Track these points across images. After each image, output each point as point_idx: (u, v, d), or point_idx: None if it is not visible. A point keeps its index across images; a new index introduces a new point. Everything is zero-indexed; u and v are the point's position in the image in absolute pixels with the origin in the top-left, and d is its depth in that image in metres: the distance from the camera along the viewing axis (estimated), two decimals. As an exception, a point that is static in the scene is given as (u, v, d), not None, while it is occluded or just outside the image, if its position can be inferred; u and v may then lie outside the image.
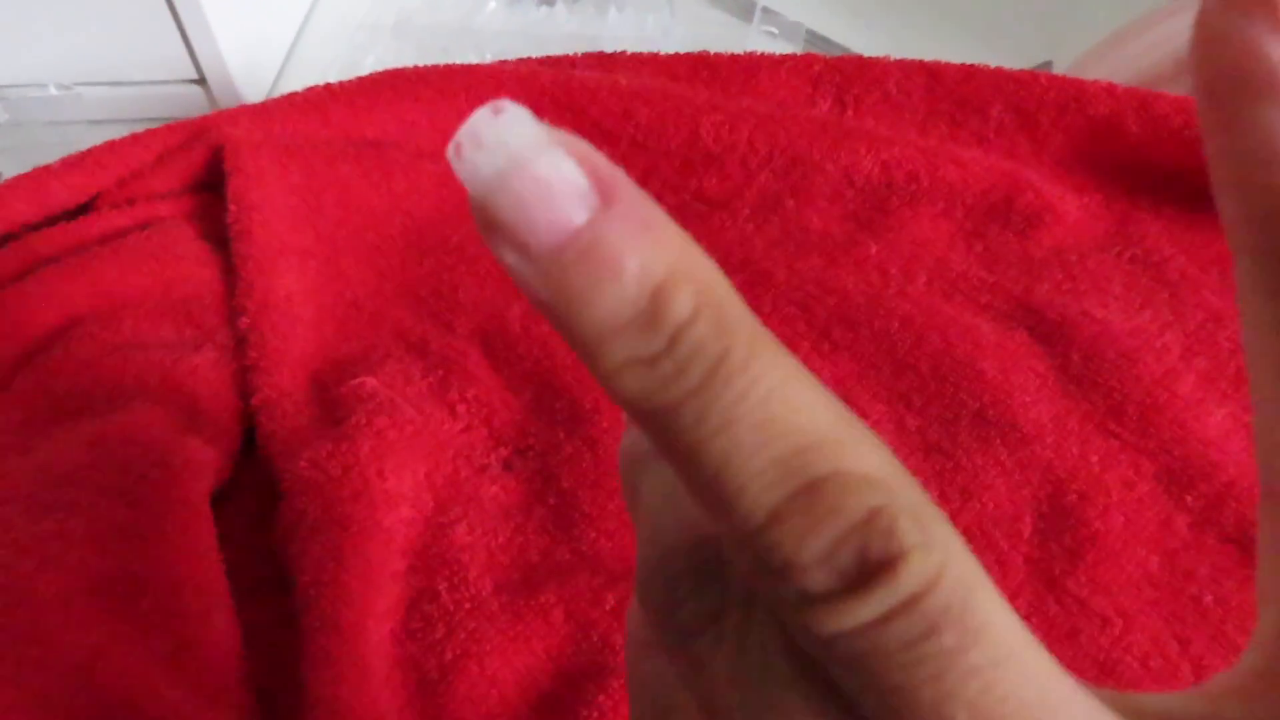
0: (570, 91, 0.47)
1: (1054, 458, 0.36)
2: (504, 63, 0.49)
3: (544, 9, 0.59)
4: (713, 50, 0.50)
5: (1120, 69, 0.48)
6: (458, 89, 0.48)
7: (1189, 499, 0.35)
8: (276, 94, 0.58)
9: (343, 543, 0.33)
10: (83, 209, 0.45)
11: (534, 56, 0.55)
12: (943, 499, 0.36)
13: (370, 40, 0.58)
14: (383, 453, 0.36)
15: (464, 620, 0.33)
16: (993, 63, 0.53)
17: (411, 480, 0.36)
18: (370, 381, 0.39)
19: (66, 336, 0.40)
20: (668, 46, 0.56)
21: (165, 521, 0.32)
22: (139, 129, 0.53)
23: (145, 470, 0.33)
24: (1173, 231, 0.44)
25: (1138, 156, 0.44)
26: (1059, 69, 0.53)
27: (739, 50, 0.50)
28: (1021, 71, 0.45)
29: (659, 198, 0.47)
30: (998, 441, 0.37)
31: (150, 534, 0.31)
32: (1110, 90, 0.44)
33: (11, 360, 0.40)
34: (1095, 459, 0.36)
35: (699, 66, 0.48)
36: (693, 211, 0.47)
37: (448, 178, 0.48)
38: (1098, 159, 0.45)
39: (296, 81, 0.59)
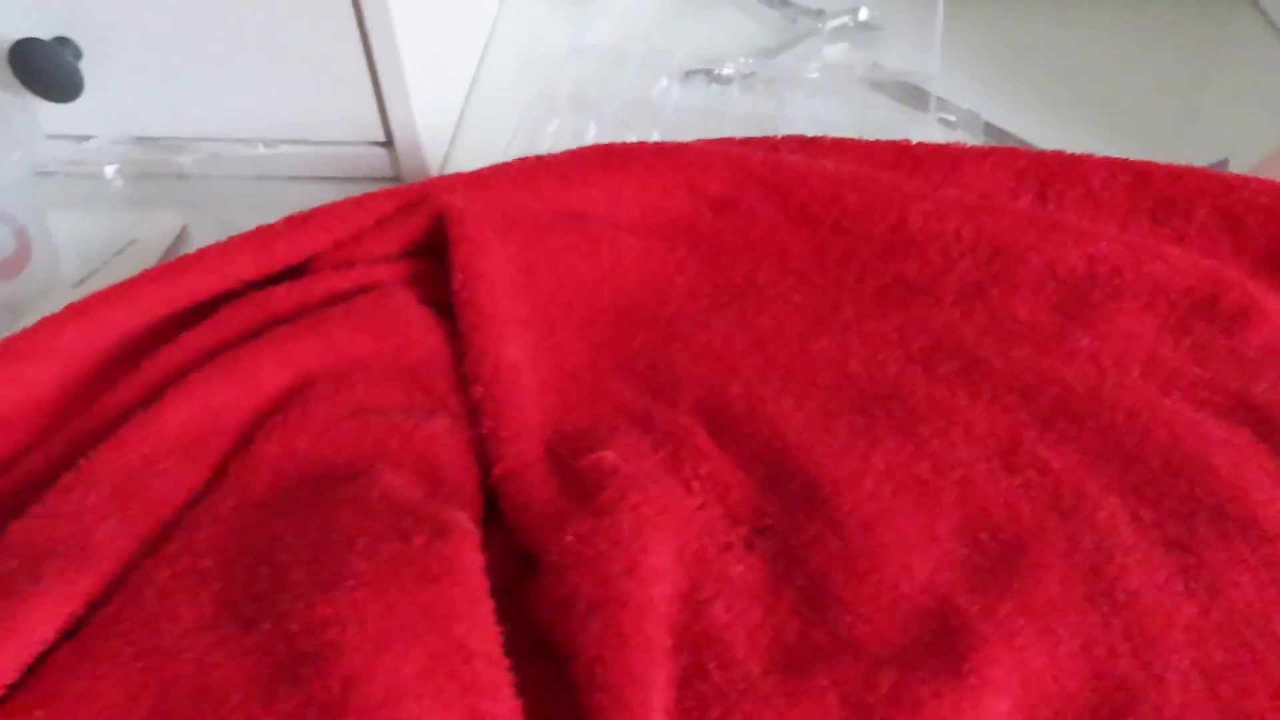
0: (780, 174, 0.49)
1: (1301, 559, 0.37)
2: (711, 142, 0.51)
3: (716, 87, 0.61)
4: (888, 136, 0.52)
5: (1309, 173, 0.49)
6: (665, 167, 0.49)
7: None
8: (454, 159, 0.60)
9: (622, 619, 0.33)
10: (298, 269, 0.46)
11: (712, 134, 0.57)
12: (1188, 595, 0.36)
13: (548, 110, 0.59)
14: (641, 528, 0.36)
15: (739, 701, 0.33)
16: (1163, 157, 0.54)
17: (666, 557, 0.36)
18: (610, 455, 0.39)
19: (303, 396, 0.41)
20: (841, 131, 0.58)
21: (457, 589, 0.32)
22: (325, 187, 0.55)
23: (422, 538, 0.34)
24: (1380, 336, 0.44)
25: (1345, 261, 0.45)
26: (1235, 167, 0.54)
27: (915, 137, 0.51)
28: (1231, 175, 0.46)
29: (859, 280, 0.48)
30: (1238, 539, 0.37)
31: (449, 604, 0.31)
32: (1321, 196, 0.45)
33: (250, 416, 0.40)
34: (1342, 563, 0.37)
35: (902, 155, 0.50)
36: (894, 295, 0.48)
37: (649, 252, 0.49)
38: (1302, 261, 0.46)
39: (473, 148, 0.60)
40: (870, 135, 0.54)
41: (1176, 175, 0.47)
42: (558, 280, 0.47)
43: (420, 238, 0.47)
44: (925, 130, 0.57)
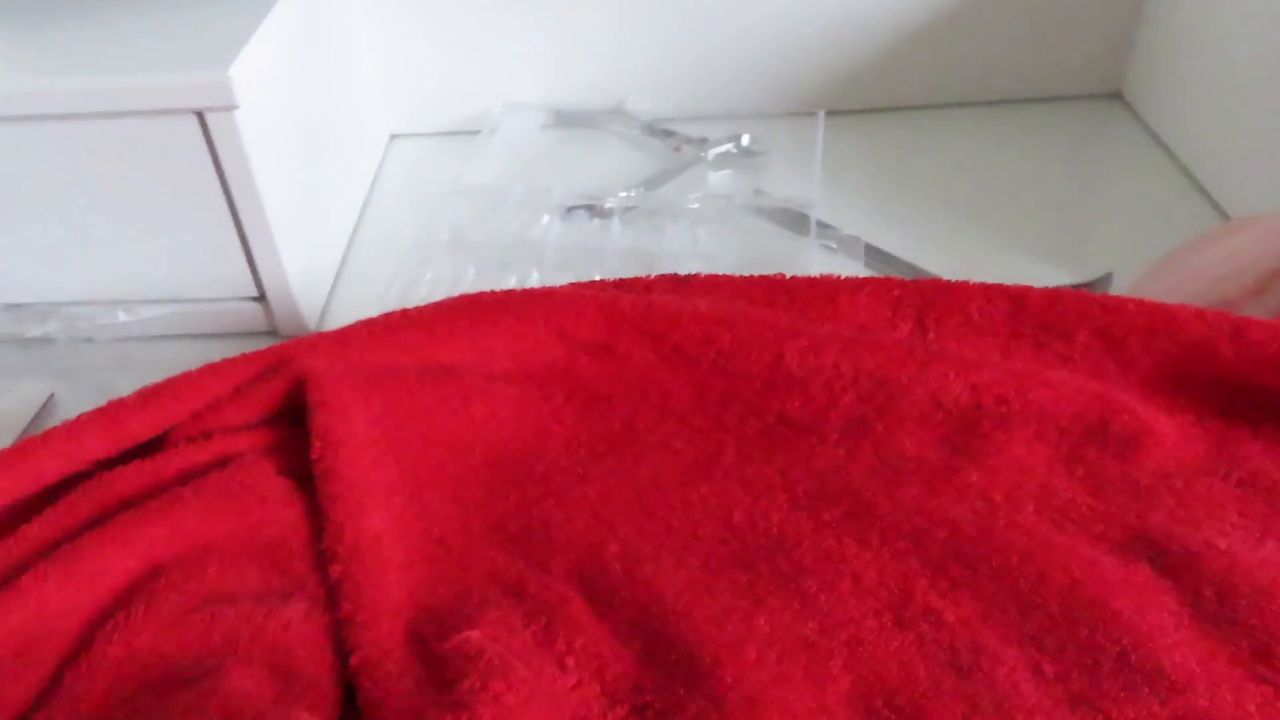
0: (651, 316, 0.47)
1: (1210, 707, 0.34)
2: (580, 286, 0.49)
3: (597, 222, 0.60)
4: (770, 264, 0.51)
5: (1186, 283, 0.49)
6: (535, 314, 0.47)
7: (1362, 754, 0.33)
8: (332, 309, 0.58)
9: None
10: (156, 441, 0.43)
11: (593, 270, 0.56)
12: (1100, 759, 0.34)
13: (427, 256, 0.58)
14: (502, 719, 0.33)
15: None
16: (1043, 272, 0.54)
17: (532, 753, 0.33)
18: (475, 636, 0.36)
19: (149, 590, 0.38)
20: (723, 260, 0.57)
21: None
22: (198, 345, 0.52)
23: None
24: (1274, 452, 0.43)
25: (1229, 379, 0.44)
26: (1118, 280, 0.54)
27: (797, 264, 0.51)
28: (1109, 297, 0.46)
29: (741, 420, 0.46)
30: (1146, 691, 0.35)
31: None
32: (1200, 315, 0.44)
33: (90, 615, 0.37)
34: (1253, 708, 0.34)
35: (776, 290, 0.49)
36: (777, 435, 0.46)
37: (525, 403, 0.47)
38: (1186, 381, 0.45)
39: (350, 296, 0.59)
40: (754, 263, 0.53)
41: (1053, 299, 0.46)
42: (427, 439, 0.45)
43: (280, 403, 0.44)
44: (808, 256, 0.57)
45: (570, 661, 0.37)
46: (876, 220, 0.61)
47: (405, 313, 0.47)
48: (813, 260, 0.57)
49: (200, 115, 0.46)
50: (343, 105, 0.65)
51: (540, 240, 0.59)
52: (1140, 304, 0.45)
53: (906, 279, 0.49)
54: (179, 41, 0.48)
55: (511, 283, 0.57)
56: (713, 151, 0.67)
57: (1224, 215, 0.60)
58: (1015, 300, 0.47)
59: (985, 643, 0.37)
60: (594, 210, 0.61)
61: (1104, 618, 0.37)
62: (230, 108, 0.46)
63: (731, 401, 0.47)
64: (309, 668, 0.35)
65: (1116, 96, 0.73)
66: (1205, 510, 0.41)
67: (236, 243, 0.51)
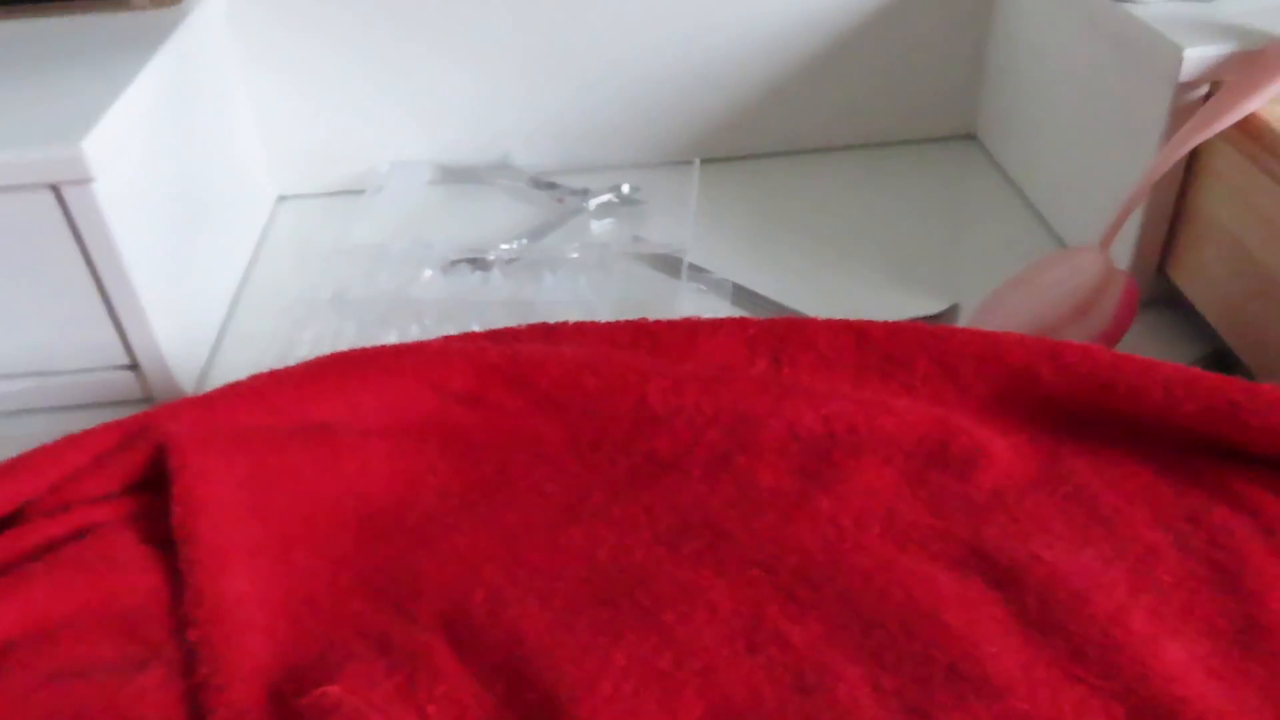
0: (518, 365, 0.49)
1: (1030, 709, 0.37)
2: (450, 339, 0.51)
3: (479, 274, 0.62)
4: (645, 308, 0.53)
5: (1025, 314, 0.53)
6: (405, 368, 0.49)
7: (1167, 743, 0.36)
8: (213, 372, 0.58)
9: None
10: (12, 517, 0.43)
11: (473, 322, 0.57)
12: (931, 766, 0.36)
13: (308, 314, 0.59)
14: (355, 774, 0.34)
15: None
16: (905, 304, 0.57)
17: (386, 802, 0.34)
18: (333, 691, 0.37)
19: (-3, 667, 0.37)
20: (601, 306, 0.59)
21: None
22: (70, 417, 0.52)
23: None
24: (1097, 466, 0.46)
25: (1053, 399, 0.47)
26: (965, 311, 0.58)
27: (671, 307, 0.53)
28: (942, 327, 0.49)
29: (611, 460, 0.48)
30: (973, 697, 0.37)
31: None
32: (1023, 342, 0.47)
33: (-67, 699, 0.37)
34: (1068, 708, 0.37)
35: (639, 334, 0.51)
36: (645, 473, 0.48)
37: (398, 455, 0.48)
38: (1017, 402, 0.48)
39: (232, 358, 0.59)
40: (630, 308, 0.55)
41: (893, 331, 0.49)
42: (296, 497, 0.45)
43: (142, 471, 0.45)
44: (681, 299, 0.59)
45: (431, 709, 0.38)
46: (747, 261, 0.64)
47: (273, 373, 0.48)
48: (685, 303, 0.59)
49: (56, 189, 0.47)
50: (222, 169, 0.66)
51: (421, 295, 0.60)
52: (969, 333, 0.48)
53: (761, 318, 0.51)
54: (33, 114, 0.49)
55: (392, 338, 0.58)
56: (594, 201, 0.69)
57: (1064, 245, 0.64)
58: (859, 334, 0.50)
59: (829, 662, 0.39)
60: (476, 263, 0.63)
61: (937, 631, 0.39)
62: (86, 180, 0.47)
63: (602, 443, 0.49)
64: (164, 735, 0.36)
65: (971, 138, 0.77)
66: (1033, 523, 0.44)
67: (104, 312, 0.52)
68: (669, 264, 0.62)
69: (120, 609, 0.40)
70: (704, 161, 0.74)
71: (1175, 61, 0.50)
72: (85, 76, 0.53)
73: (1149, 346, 0.56)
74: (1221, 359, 0.53)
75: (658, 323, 0.51)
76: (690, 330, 0.51)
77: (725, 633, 0.40)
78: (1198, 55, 0.50)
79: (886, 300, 0.61)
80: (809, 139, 0.76)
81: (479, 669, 0.39)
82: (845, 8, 0.70)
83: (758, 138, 0.75)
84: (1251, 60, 0.49)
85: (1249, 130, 0.49)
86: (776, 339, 0.50)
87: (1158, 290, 0.58)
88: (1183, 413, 0.45)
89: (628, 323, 0.51)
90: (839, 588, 0.41)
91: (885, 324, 0.50)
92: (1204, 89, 0.51)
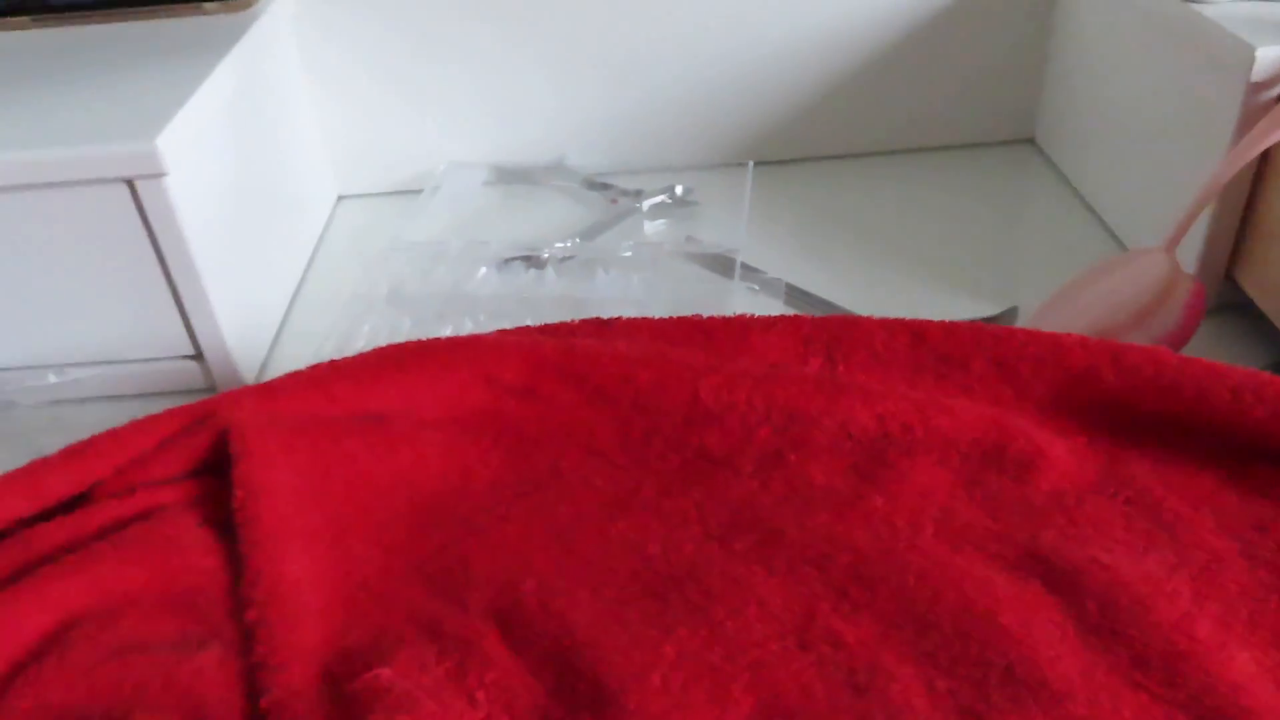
0: (573, 360, 0.49)
1: (1089, 714, 0.36)
2: (505, 332, 0.51)
3: (533, 272, 0.63)
4: (697, 307, 0.53)
5: (1087, 317, 0.52)
6: (460, 361, 0.49)
7: (1231, 753, 0.35)
8: (272, 365, 0.60)
9: None
10: (82, 498, 0.45)
11: (526, 319, 0.58)
12: (986, 768, 0.35)
13: (365, 310, 0.60)
14: (405, 755, 0.34)
15: None
16: (962, 307, 0.56)
17: (435, 784, 0.34)
18: (385, 674, 0.37)
19: (62, 642, 0.39)
20: (654, 304, 0.59)
21: None
22: (135, 405, 0.54)
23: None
24: (1160, 471, 0.45)
25: (1115, 402, 0.46)
26: (1023, 313, 0.57)
27: (723, 306, 0.53)
28: (999, 327, 0.48)
29: (661, 456, 0.48)
30: (1030, 701, 0.37)
31: None
32: (1084, 343, 0.47)
33: (5, 670, 0.38)
34: (1129, 715, 0.36)
35: (693, 330, 0.51)
36: (696, 468, 0.48)
37: (452, 446, 0.49)
38: (1077, 405, 0.47)
39: (291, 352, 0.60)
40: (682, 306, 0.55)
41: (950, 331, 0.49)
42: (352, 485, 0.46)
43: (205, 456, 0.46)
44: (733, 298, 0.59)
45: (481, 695, 0.38)
46: (801, 263, 0.64)
47: (333, 364, 0.49)
48: (737, 302, 0.59)
49: (130, 183, 0.49)
50: (286, 169, 0.67)
51: (476, 292, 0.61)
52: (1029, 334, 0.48)
53: (817, 316, 0.51)
54: (110, 112, 0.51)
55: (447, 333, 0.59)
56: (648, 202, 0.70)
57: (1124, 249, 0.63)
58: (915, 334, 0.49)
59: (882, 661, 0.38)
60: (530, 261, 0.63)
61: (993, 633, 0.39)
62: (159, 175, 0.48)
63: (653, 438, 0.49)
64: (218, 712, 0.36)
65: (1029, 141, 0.76)
66: (1093, 528, 0.43)
67: (171, 303, 0.53)
68: (722, 264, 0.62)
69: (181, 589, 0.41)
70: (759, 164, 0.74)
71: (1247, 61, 0.49)
72: (160, 77, 0.54)
73: (1216, 352, 0.54)
74: (1292, 366, 0.52)
75: (711, 319, 0.51)
76: (744, 327, 0.51)
77: (777, 629, 0.40)
78: (1271, 55, 0.49)
79: (943, 302, 0.60)
80: (865, 143, 0.75)
81: (529, 658, 0.40)
82: (902, 11, 0.69)
83: (813, 141, 0.75)
84: (1327, 59, 0.48)
85: (1323, 130, 0.48)
86: (831, 337, 0.50)
87: (1225, 296, 0.56)
88: (1252, 418, 0.44)
89: (681, 319, 0.51)
90: (892, 587, 0.41)
91: (942, 324, 0.49)
92: (1276, 90, 0.50)
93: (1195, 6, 0.53)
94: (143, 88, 0.53)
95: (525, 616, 0.41)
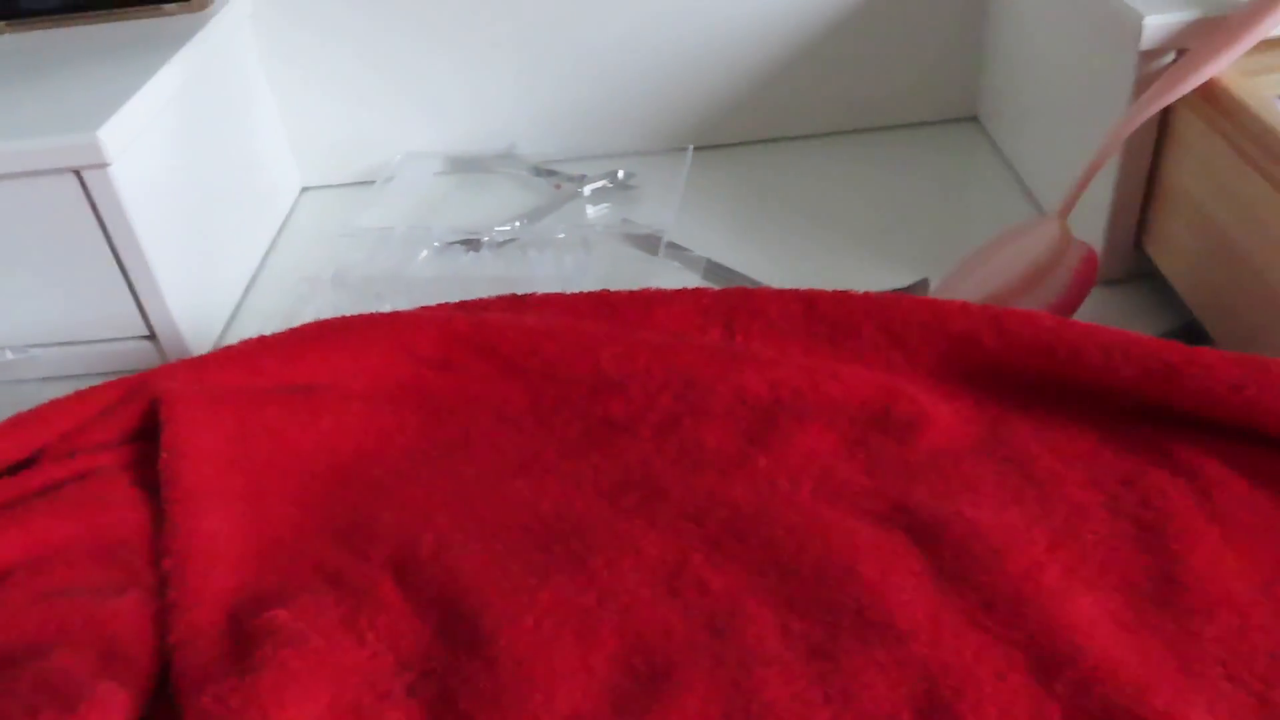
0: (484, 333, 0.52)
1: (929, 654, 0.38)
2: (422, 309, 0.54)
3: (471, 255, 0.66)
4: (624, 285, 0.56)
5: (983, 285, 0.53)
6: (379, 335, 0.52)
7: (1058, 686, 0.36)
8: (225, 344, 0.63)
9: (237, 778, 0.33)
10: (27, 462, 0.49)
11: (461, 299, 0.60)
12: (826, 701, 0.37)
13: (311, 291, 0.63)
14: (285, 683, 0.37)
15: None
16: (888, 281, 0.58)
17: (314, 709, 0.37)
18: (281, 614, 0.41)
19: (-2, 586, 0.42)
20: (584, 283, 0.62)
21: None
22: (92, 383, 0.57)
23: (49, 714, 0.35)
24: (1039, 431, 0.47)
25: (998, 365, 0.48)
26: (933, 285, 0.58)
27: (648, 283, 0.55)
28: (887, 294, 0.50)
29: (568, 423, 0.51)
30: (876, 641, 0.39)
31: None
32: (965, 308, 0.48)
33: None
34: (969, 653, 0.38)
35: (600, 304, 0.53)
36: (598, 434, 0.50)
37: (372, 415, 0.52)
38: (963, 369, 0.49)
39: (243, 332, 0.64)
40: (610, 284, 0.58)
41: (841, 300, 0.51)
42: (273, 450, 0.49)
43: (139, 423, 0.49)
44: (659, 276, 0.61)
45: (370, 636, 0.41)
46: (735, 241, 0.66)
47: (262, 339, 0.52)
48: (662, 279, 0.61)
49: (78, 173, 0.52)
50: (246, 161, 0.71)
51: (416, 274, 0.64)
52: (914, 300, 0.49)
53: (718, 289, 0.53)
54: (60, 106, 0.55)
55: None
56: (589, 187, 0.72)
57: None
58: (808, 303, 0.51)
59: (743, 606, 0.41)
60: (469, 244, 0.66)
61: (849, 580, 0.41)
62: (103, 165, 0.52)
63: (562, 406, 0.52)
64: (132, 649, 0.40)
65: (973, 120, 0.77)
66: (963, 484, 0.45)
67: (124, 286, 0.57)
68: (649, 243, 0.64)
69: (108, 541, 0.45)
70: (705, 149, 0.77)
71: (1136, 29, 0.50)
72: (110, 73, 0.58)
73: (1123, 320, 0.56)
74: (1192, 332, 0.53)
75: (617, 293, 0.54)
76: (646, 300, 0.53)
77: (649, 578, 0.42)
78: (1158, 23, 0.50)
79: (869, 277, 0.62)
80: (809, 124, 0.77)
81: (418, 603, 0.42)
82: (840, -5, 0.71)
83: (758, 124, 0.77)
84: (1214, 26, 0.49)
85: (1209, 96, 0.49)
86: (729, 308, 0.52)
87: (1135, 265, 0.58)
88: (1121, 377, 0.45)
89: (590, 294, 0.54)
90: (762, 539, 0.43)
91: (834, 293, 0.51)
92: (1170, 57, 0.51)
93: (1094, -19, 0.55)
94: (94, 83, 0.57)
95: (419, 567, 0.44)
